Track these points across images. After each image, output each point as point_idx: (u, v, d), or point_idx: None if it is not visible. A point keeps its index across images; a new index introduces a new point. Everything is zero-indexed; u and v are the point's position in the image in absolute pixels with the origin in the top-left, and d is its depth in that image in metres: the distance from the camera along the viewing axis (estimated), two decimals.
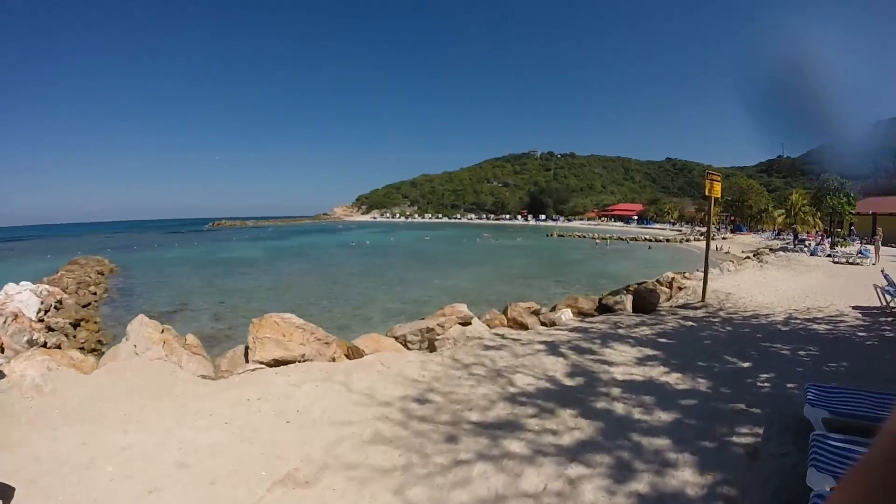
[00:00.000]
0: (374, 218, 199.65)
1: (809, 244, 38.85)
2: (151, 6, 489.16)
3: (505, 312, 11.40)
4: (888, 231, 46.78)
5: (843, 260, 26.62)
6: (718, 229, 78.72)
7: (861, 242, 39.47)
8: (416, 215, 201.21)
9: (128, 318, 17.60)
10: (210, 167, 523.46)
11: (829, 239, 41.24)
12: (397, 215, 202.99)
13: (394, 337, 9.35)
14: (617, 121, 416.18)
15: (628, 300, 13.17)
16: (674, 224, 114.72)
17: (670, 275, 16.42)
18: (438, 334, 9.21)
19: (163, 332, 8.21)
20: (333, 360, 8.16)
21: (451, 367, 7.47)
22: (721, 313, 12.33)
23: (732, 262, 25.47)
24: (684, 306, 13.50)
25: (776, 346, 8.78)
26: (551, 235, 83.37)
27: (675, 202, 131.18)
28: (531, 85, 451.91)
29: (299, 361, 7.63)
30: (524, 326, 10.73)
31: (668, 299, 14.88)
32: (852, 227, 48.58)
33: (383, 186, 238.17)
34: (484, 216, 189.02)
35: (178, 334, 8.60)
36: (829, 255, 30.42)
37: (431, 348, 9.11)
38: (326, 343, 8.37)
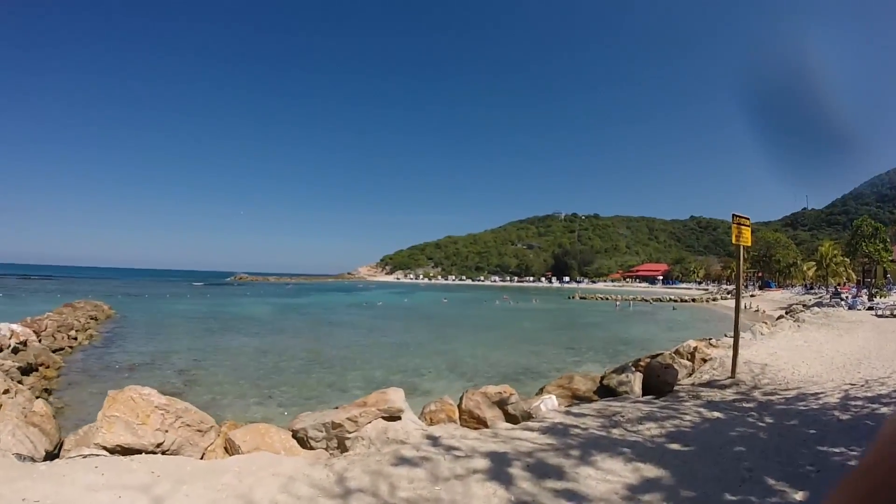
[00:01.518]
0: (398, 279, 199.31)
1: (846, 297, 35.90)
2: (179, 75, 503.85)
3: (460, 403, 8.56)
4: None
5: (888, 313, 23.99)
6: (746, 286, 76.84)
7: None
8: (440, 276, 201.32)
9: (94, 367, 16.88)
10: (242, 223, 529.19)
11: (867, 290, 38.48)
12: (421, 276, 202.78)
13: (292, 430, 6.91)
14: (640, 181, 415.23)
15: (637, 379, 10.40)
16: (700, 283, 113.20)
17: (692, 343, 13.27)
18: (350, 432, 6.70)
19: (6, 392, 7.12)
20: (204, 454, 6.34)
21: (328, 494, 4.91)
22: (756, 394, 9.53)
23: (765, 322, 22.43)
24: (709, 384, 10.69)
25: (839, 451, 6.00)
26: (573, 298, 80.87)
27: (700, 261, 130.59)
28: (555, 146, 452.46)
29: (150, 452, 5.85)
30: (482, 423, 7.92)
31: (690, 374, 12.02)
32: (888, 275, 45.46)
33: (408, 247, 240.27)
34: (508, 278, 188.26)
35: (30, 397, 7.47)
36: (870, 308, 27.92)
37: (342, 448, 6.66)
38: (200, 431, 6.38)
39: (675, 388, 10.37)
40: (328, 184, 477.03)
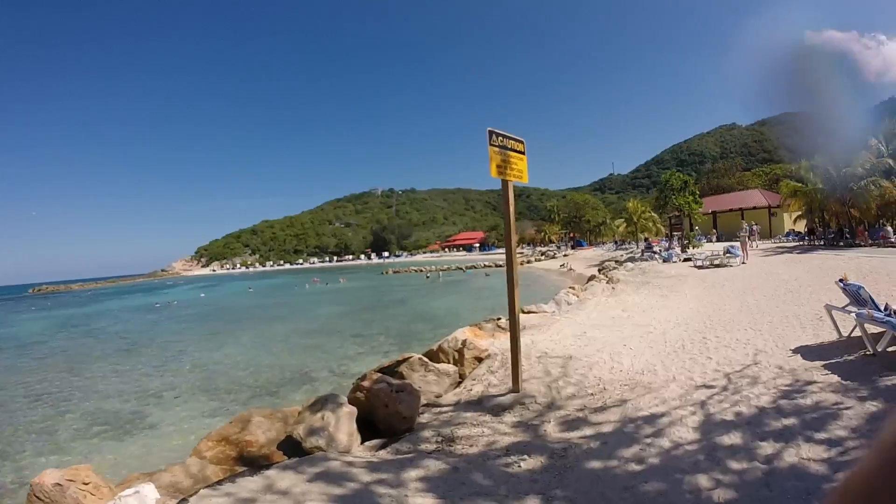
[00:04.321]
0: (214, 270, 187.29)
1: (659, 251, 35.60)
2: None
3: None
4: (725, 228, 45.68)
5: (709, 263, 22.76)
6: (559, 247, 78.34)
7: (724, 242, 36.16)
8: (258, 264, 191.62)
9: None
10: (43, 227, 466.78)
11: (678, 242, 38.02)
12: (238, 265, 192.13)
13: None
14: (454, 153, 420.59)
15: (344, 419, 5.70)
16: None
17: (460, 336, 8.80)
18: None
19: None
20: None
21: None
22: (551, 426, 5.40)
23: (573, 288, 18.92)
24: (480, 403, 6.39)
25: None
26: (386, 273, 77.63)
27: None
28: (369, 121, 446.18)
29: None
30: None
31: (458, 384, 7.60)
32: (695, 227, 46.27)
33: (223, 236, 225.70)
34: (327, 259, 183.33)
35: None
36: (687, 260, 27.12)
37: None
38: None
39: (421, 419, 5.93)
40: (138, 173, 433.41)
